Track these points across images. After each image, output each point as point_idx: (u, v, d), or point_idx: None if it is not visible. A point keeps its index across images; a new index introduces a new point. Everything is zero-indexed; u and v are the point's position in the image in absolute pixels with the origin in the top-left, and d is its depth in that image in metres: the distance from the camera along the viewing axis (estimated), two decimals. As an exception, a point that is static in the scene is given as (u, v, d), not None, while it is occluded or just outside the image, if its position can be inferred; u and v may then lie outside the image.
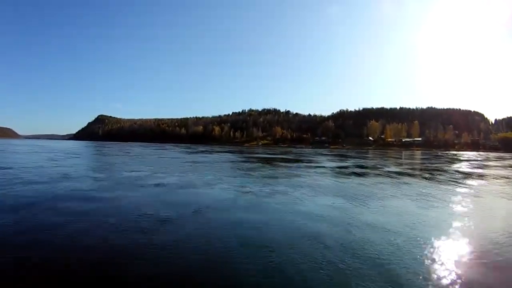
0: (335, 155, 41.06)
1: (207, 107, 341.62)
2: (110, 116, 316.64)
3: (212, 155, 35.64)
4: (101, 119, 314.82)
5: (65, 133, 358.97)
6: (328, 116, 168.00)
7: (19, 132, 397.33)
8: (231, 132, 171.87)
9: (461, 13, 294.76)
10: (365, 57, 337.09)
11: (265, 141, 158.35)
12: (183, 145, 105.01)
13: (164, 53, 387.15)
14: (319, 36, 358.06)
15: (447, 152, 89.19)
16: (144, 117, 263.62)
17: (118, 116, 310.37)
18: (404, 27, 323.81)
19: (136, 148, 54.83)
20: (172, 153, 37.51)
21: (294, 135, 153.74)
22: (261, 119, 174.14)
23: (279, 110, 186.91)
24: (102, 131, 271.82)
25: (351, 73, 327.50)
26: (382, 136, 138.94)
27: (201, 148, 65.99)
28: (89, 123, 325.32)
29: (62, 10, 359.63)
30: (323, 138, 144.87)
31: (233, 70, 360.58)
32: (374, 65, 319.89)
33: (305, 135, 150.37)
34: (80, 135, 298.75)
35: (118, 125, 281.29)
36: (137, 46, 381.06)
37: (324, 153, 50.69)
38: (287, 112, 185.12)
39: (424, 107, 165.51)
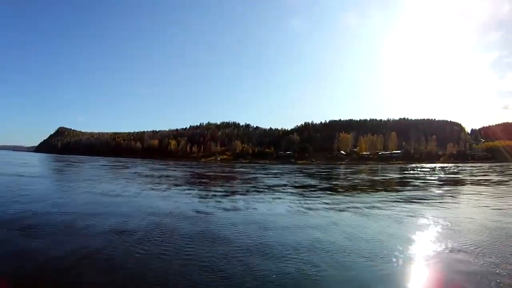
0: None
1: (166, 121, 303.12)
2: (70, 129, 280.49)
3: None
4: (60, 132, 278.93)
5: (30, 145, 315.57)
6: (292, 129, 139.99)
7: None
8: (188, 147, 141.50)
9: (428, 24, 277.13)
10: (328, 70, 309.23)
11: (225, 156, 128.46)
12: (128, 160, 79.56)
13: (127, 65, 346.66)
14: (280, 48, 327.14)
15: (433, 165, 66.23)
16: (107, 131, 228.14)
17: (81, 129, 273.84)
18: (369, 39, 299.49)
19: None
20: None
21: (256, 150, 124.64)
22: (219, 133, 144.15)
23: (238, 124, 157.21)
24: (61, 143, 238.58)
25: (314, 85, 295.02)
26: (355, 150, 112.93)
27: (145, 168, 37.55)
28: (50, 135, 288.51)
29: (30, 19, 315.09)
30: (288, 152, 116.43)
31: (194, 82, 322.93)
32: (338, 77, 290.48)
33: (268, 150, 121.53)
34: (42, 147, 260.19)
35: (76, 138, 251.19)
36: (103, 57, 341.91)
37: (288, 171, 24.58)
38: (247, 126, 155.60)
39: (397, 118, 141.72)
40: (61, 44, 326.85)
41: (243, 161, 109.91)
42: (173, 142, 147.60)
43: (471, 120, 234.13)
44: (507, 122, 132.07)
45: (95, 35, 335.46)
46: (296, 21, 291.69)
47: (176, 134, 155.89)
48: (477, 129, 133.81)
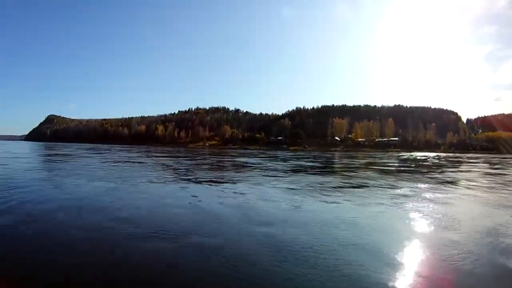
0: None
1: (157, 106, 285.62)
2: (59, 116, 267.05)
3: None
4: (50, 119, 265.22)
5: (21, 134, 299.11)
6: (283, 114, 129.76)
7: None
8: (176, 132, 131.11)
9: (422, 13, 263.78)
10: (320, 56, 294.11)
11: (213, 142, 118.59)
12: (108, 146, 68.30)
13: (118, 51, 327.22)
14: (272, 34, 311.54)
15: (438, 154, 58.04)
16: (99, 117, 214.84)
17: (72, 117, 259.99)
18: (361, 25, 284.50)
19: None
20: None
21: (246, 135, 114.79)
22: (208, 118, 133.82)
23: (228, 108, 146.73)
24: (50, 131, 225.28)
25: (305, 72, 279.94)
26: (350, 136, 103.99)
27: (101, 159, 25.74)
28: (40, 123, 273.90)
29: (22, 9, 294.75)
30: (280, 138, 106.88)
31: (183, 66, 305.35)
32: (329, 64, 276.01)
33: (258, 135, 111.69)
34: (32, 136, 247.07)
35: (65, 125, 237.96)
36: (94, 45, 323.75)
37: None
38: (237, 111, 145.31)
39: (391, 104, 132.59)
40: (59, 30, 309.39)
41: (232, 146, 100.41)
42: (160, 128, 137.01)
43: (464, 110, 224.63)
44: (503, 114, 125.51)
45: (93, 24, 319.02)
46: (288, 8, 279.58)
47: (164, 119, 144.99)
48: (473, 119, 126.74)
